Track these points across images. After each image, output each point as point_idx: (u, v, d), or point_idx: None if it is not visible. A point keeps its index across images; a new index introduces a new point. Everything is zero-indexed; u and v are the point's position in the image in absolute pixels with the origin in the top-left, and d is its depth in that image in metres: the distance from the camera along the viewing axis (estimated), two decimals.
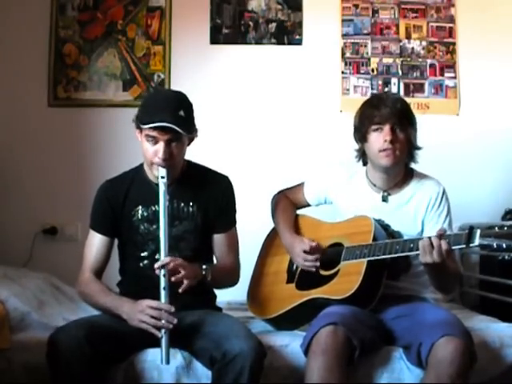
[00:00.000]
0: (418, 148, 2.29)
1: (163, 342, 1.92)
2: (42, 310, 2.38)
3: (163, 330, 1.92)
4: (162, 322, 1.93)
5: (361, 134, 2.27)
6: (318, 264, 2.26)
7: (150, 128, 2.06)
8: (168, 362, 1.93)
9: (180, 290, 1.99)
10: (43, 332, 2.07)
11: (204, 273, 2.10)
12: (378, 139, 2.20)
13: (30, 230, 3.20)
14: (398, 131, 2.20)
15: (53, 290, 2.65)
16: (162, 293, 1.97)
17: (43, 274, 2.77)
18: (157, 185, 2.11)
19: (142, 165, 2.27)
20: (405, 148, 2.23)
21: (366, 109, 2.27)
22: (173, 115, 2.06)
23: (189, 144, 2.20)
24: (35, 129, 3.30)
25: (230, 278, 2.28)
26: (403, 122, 2.21)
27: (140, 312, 1.97)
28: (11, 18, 3.31)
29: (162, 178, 2.07)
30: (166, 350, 1.92)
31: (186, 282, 2.00)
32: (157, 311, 1.94)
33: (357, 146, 2.35)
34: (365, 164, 2.35)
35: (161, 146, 2.07)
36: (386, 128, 2.19)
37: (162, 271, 1.98)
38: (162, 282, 1.97)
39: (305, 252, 2.27)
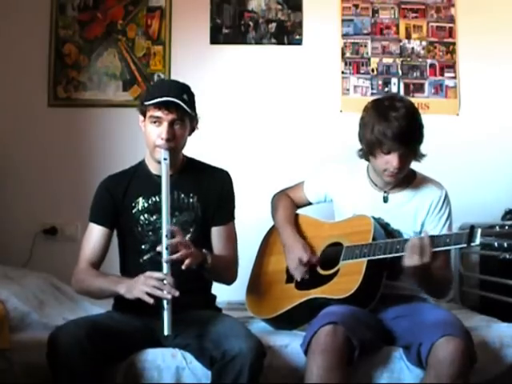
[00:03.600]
0: (423, 156, 2.25)
1: (165, 312, 1.90)
2: (42, 310, 2.38)
3: (165, 301, 1.91)
4: (163, 292, 1.91)
5: (368, 150, 2.21)
6: (306, 277, 2.26)
7: (155, 107, 2.10)
8: (171, 332, 1.91)
9: (183, 267, 1.98)
10: (43, 332, 2.07)
11: (205, 256, 2.09)
12: (385, 161, 2.16)
13: (30, 230, 3.20)
14: (405, 156, 2.16)
15: (53, 290, 2.65)
16: (164, 265, 1.96)
17: (43, 274, 2.77)
18: (158, 176, 2.13)
19: (142, 161, 2.30)
20: (408, 166, 2.22)
21: (376, 125, 2.14)
22: (177, 95, 2.11)
23: (190, 134, 2.22)
24: (35, 129, 3.30)
25: (228, 270, 2.26)
26: (412, 147, 2.17)
27: (141, 282, 1.96)
28: (11, 17, 3.31)
29: (165, 159, 2.09)
30: (168, 320, 1.89)
31: (188, 260, 1.98)
32: (159, 282, 1.93)
33: (359, 145, 2.29)
34: (366, 161, 2.31)
35: (164, 126, 2.11)
36: (395, 156, 2.14)
37: (165, 244, 1.97)
38: (164, 255, 1.97)
39: (300, 261, 2.27)
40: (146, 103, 2.13)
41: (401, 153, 2.14)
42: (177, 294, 1.91)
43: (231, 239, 2.29)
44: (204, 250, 2.11)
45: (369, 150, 2.21)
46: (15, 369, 2.08)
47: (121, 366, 2.04)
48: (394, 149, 2.13)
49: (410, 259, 2.01)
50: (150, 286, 1.93)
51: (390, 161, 2.15)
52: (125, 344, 2.04)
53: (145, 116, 2.18)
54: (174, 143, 2.13)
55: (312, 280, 2.26)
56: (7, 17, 3.31)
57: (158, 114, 2.11)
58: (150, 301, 1.91)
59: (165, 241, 1.98)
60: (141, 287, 1.94)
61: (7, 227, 3.18)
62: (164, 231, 2.00)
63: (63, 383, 1.87)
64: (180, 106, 2.10)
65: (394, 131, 2.11)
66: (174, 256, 1.97)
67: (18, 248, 3.15)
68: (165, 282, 1.93)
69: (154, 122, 2.13)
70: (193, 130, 2.24)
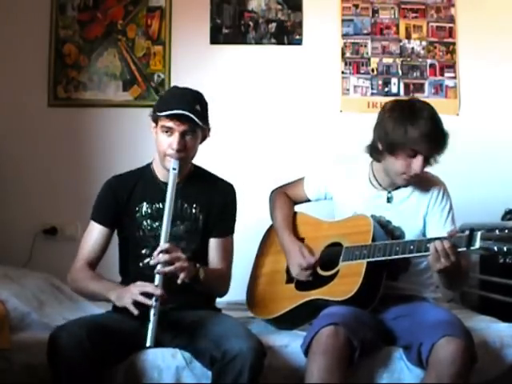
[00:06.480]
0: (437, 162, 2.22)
1: (150, 324, 1.88)
2: (42, 310, 2.38)
3: (152, 312, 1.89)
4: (151, 302, 1.90)
5: (389, 150, 2.15)
6: (310, 278, 2.26)
7: (167, 118, 2.10)
8: (155, 344, 1.89)
9: (179, 281, 1.97)
10: (43, 332, 2.07)
11: (198, 271, 2.07)
12: (407, 164, 2.13)
13: (30, 230, 3.20)
14: (427, 160, 2.14)
15: (53, 290, 2.65)
16: (157, 277, 1.95)
17: (43, 274, 2.77)
18: (164, 183, 2.13)
19: (149, 164, 2.30)
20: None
21: (409, 127, 2.08)
22: (190, 107, 2.10)
23: (201, 142, 2.22)
24: (35, 129, 3.30)
25: (220, 283, 2.25)
26: (441, 152, 2.14)
27: (130, 291, 1.94)
28: (11, 18, 3.31)
29: (174, 169, 2.09)
30: (152, 332, 1.88)
31: (182, 274, 1.97)
32: (149, 290, 1.92)
33: (369, 137, 2.25)
34: (375, 160, 2.28)
35: (176, 137, 2.11)
36: (419, 160, 2.11)
37: (161, 258, 1.96)
38: (158, 266, 1.96)
39: (300, 267, 2.27)
40: (159, 114, 2.12)
41: (426, 156, 2.12)
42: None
43: (227, 253, 2.28)
44: (197, 265, 2.10)
45: (391, 151, 2.15)
46: (15, 369, 2.07)
47: (121, 366, 2.04)
48: (423, 152, 2.10)
49: (439, 264, 1.98)
50: (138, 294, 1.92)
51: (413, 164, 2.12)
52: (125, 344, 2.04)
53: (156, 123, 2.17)
54: (185, 153, 2.14)
55: (312, 281, 2.25)
56: (7, 17, 3.31)
57: (170, 124, 2.11)
58: (135, 312, 1.91)
59: (161, 255, 1.97)
60: (129, 296, 1.94)
61: (7, 227, 3.19)
62: (161, 244, 1.98)
63: (63, 383, 1.87)
64: (192, 118, 2.09)
65: (429, 134, 2.08)
66: (167, 269, 1.96)
67: (18, 248, 3.15)
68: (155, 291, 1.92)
69: (166, 132, 2.13)
70: (204, 138, 2.23)
